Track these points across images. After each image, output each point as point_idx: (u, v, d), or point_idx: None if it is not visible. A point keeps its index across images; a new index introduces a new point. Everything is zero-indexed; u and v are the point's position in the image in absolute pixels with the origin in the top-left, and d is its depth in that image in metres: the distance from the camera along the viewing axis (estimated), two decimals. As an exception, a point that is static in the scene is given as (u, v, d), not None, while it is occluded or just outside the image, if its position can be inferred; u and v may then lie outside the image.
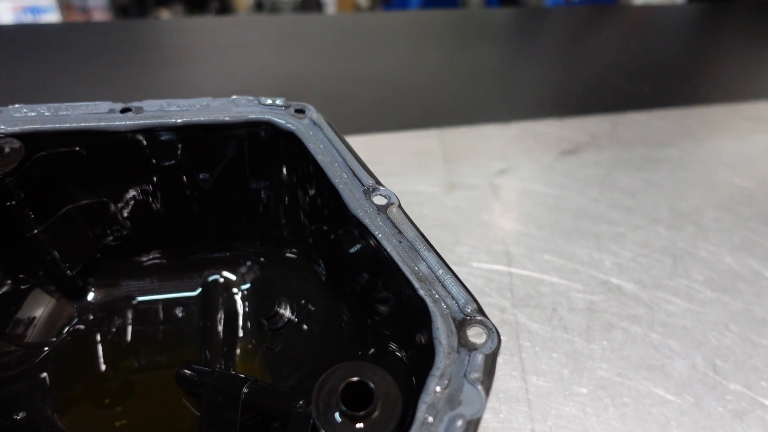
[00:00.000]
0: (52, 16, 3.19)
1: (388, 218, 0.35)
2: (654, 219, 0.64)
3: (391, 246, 0.33)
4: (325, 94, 0.91)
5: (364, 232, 0.35)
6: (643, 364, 0.47)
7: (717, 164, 0.75)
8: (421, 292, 0.31)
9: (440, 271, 0.32)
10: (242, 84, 0.94)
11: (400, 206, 0.36)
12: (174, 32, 1.25)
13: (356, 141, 0.74)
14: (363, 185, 0.37)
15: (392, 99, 0.90)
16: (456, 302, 0.30)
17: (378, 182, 0.38)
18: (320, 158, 0.39)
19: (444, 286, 0.31)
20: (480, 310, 0.30)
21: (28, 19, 3.14)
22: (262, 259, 0.48)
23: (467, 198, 0.64)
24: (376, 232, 0.34)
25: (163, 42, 1.17)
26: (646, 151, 0.76)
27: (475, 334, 0.28)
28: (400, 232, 0.34)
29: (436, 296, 0.30)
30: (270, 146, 0.43)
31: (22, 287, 0.43)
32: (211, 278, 0.49)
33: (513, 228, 0.61)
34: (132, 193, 0.45)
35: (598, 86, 0.98)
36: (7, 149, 0.38)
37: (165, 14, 3.72)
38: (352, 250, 0.39)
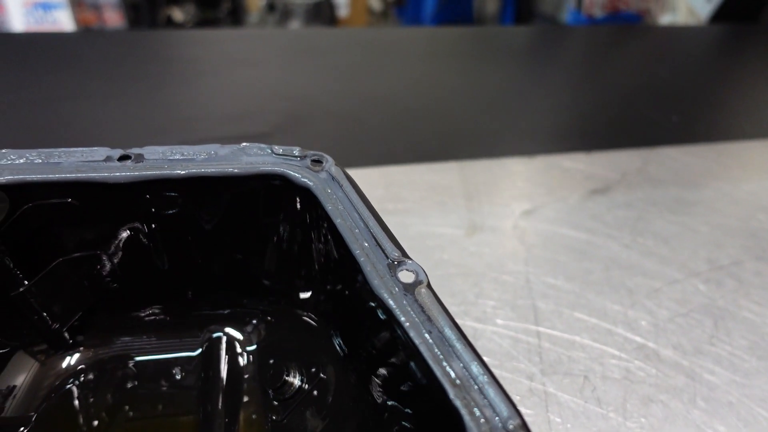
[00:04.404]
0: (63, 13, 3.16)
1: (416, 301, 0.31)
2: (691, 271, 0.59)
3: (420, 338, 0.29)
4: (336, 117, 0.87)
5: (388, 316, 0.31)
6: (686, 449, 0.42)
7: (755, 208, 0.70)
8: (456, 402, 0.26)
9: (478, 374, 0.27)
10: (250, 104, 0.90)
11: (429, 285, 0.32)
12: (185, 45, 1.21)
13: (371, 174, 0.70)
14: (387, 257, 0.33)
15: (407, 125, 0.86)
16: (497, 415, 0.26)
17: (404, 254, 0.34)
18: (339, 222, 0.35)
19: (483, 394, 0.27)
20: (524, 426, 0.26)
21: (39, 14, 3.11)
22: (269, 318, 0.44)
23: (490, 242, 0.60)
24: (403, 319, 0.30)
25: (174, 55, 1.13)
26: (680, 192, 0.71)
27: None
28: (429, 319, 0.30)
29: (474, 406, 0.26)
30: (283, 200, 0.39)
31: (2, 351, 0.38)
32: (213, 336, 0.44)
33: (540, 279, 0.56)
34: (129, 245, 0.41)
35: (626, 115, 0.94)
36: (-12, 203, 0.34)
37: (177, 13, 3.70)
38: (373, 330, 0.35)
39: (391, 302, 0.31)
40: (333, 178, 0.38)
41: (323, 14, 3.82)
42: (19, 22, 3.05)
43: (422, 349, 0.28)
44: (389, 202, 0.63)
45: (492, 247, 0.59)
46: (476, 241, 0.60)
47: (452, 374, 0.27)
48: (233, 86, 0.97)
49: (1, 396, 0.37)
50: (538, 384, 0.46)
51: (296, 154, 0.39)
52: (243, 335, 0.44)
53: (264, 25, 3.71)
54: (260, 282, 0.43)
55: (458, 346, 0.29)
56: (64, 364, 0.41)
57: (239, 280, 0.43)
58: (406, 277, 0.32)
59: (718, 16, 1.64)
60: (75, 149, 0.37)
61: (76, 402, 0.40)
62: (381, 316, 0.33)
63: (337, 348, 0.42)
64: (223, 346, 0.44)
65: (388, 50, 1.26)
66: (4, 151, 0.37)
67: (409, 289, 0.31)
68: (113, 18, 3.38)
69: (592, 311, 0.53)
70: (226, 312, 0.44)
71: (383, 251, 0.33)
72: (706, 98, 1.07)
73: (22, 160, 0.36)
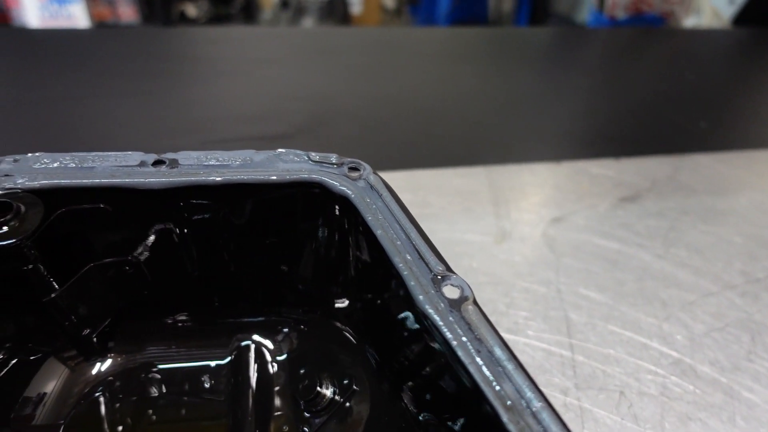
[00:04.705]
0: (78, 7, 3.16)
1: (463, 318, 0.30)
2: (726, 284, 0.58)
3: (469, 358, 0.28)
4: (358, 119, 0.85)
5: (432, 333, 0.30)
6: (728, 471, 0.41)
7: (790, 219, 0.69)
8: (510, 427, 0.25)
9: (532, 398, 0.26)
10: (270, 104, 0.89)
11: (475, 302, 0.31)
12: (203, 43, 1.21)
13: (396, 177, 0.69)
14: (431, 271, 0.32)
15: (431, 127, 0.85)
16: (553, 442, 0.25)
17: (448, 268, 0.32)
18: (380, 233, 0.34)
19: (537, 419, 0.26)
20: (582, 455, 0.24)
21: (54, 9, 3.12)
22: (302, 326, 0.43)
23: (520, 250, 0.59)
24: (450, 337, 0.29)
25: (192, 53, 1.12)
26: (712, 201, 0.70)
27: None
28: (478, 338, 0.29)
29: (528, 433, 0.25)
30: (320, 208, 0.38)
31: (32, 358, 0.38)
32: (242, 344, 0.43)
33: (571, 289, 0.55)
34: (161, 251, 0.40)
35: (653, 121, 0.92)
36: (24, 209, 0.33)
37: (190, 9, 3.70)
38: (411, 343, 0.34)
39: (437, 319, 0.29)
40: (371, 186, 0.37)
41: (336, 12, 3.81)
42: (34, 17, 3.06)
43: (471, 369, 0.27)
44: (416, 207, 0.62)
45: (522, 255, 0.58)
46: (505, 248, 0.59)
47: (504, 397, 0.26)
48: (252, 86, 0.96)
49: (32, 403, 0.36)
50: (573, 399, 0.45)
51: (333, 161, 0.38)
52: (273, 344, 0.43)
53: (277, 21, 3.70)
54: (295, 289, 0.42)
55: (509, 367, 0.27)
56: (94, 371, 0.40)
57: (272, 287, 0.43)
58: (450, 292, 0.31)
59: (741, 18, 1.61)
60: (109, 153, 0.37)
61: (105, 409, 0.39)
62: (419, 327, 0.32)
63: (370, 359, 0.41)
64: (253, 354, 0.43)
65: (406, 50, 1.25)
66: (38, 154, 0.36)
67: (455, 305, 0.30)
68: (127, 13, 3.38)
69: (626, 324, 0.52)
70: (256, 320, 0.43)
71: (426, 265, 0.32)
72: (734, 104, 1.05)
73: (56, 164, 0.36)
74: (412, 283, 0.31)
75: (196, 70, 1.02)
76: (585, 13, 2.89)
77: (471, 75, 1.12)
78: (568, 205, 0.66)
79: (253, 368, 0.43)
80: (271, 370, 0.42)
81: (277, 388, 0.42)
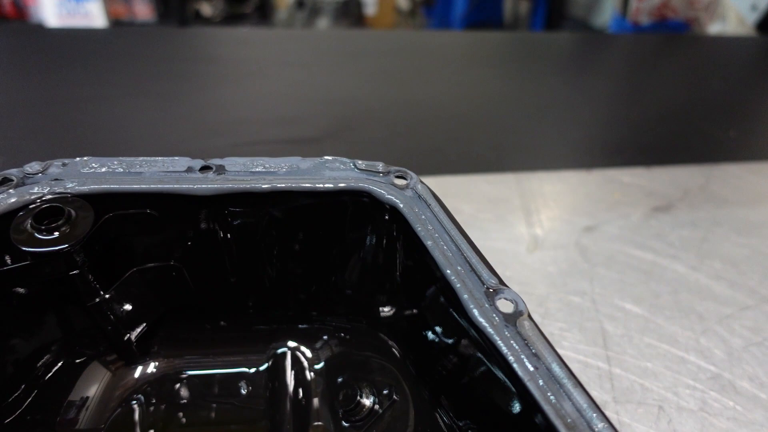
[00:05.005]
0: (95, 5, 3.18)
1: (518, 333, 0.29)
2: (763, 298, 0.57)
3: (528, 375, 0.27)
4: (386, 123, 0.85)
5: (486, 347, 0.30)
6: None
7: (825, 232, 0.67)
8: (574, 448, 0.25)
9: (593, 417, 0.26)
10: (299, 107, 0.89)
11: (530, 317, 0.31)
12: (224, 44, 1.21)
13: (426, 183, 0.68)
14: (484, 284, 0.32)
15: (459, 133, 0.84)
16: (617, 464, 0.24)
17: (501, 281, 0.32)
18: (430, 244, 0.33)
19: (600, 440, 0.25)
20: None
21: (71, 6, 3.13)
22: (342, 334, 0.43)
23: (553, 259, 0.58)
24: (506, 351, 0.28)
25: (219, 54, 1.13)
26: (745, 212, 0.69)
27: None
28: (535, 354, 0.28)
29: (592, 455, 0.25)
30: (366, 217, 0.38)
31: (78, 361, 0.38)
32: (280, 351, 0.43)
33: (606, 300, 0.54)
34: (204, 256, 0.40)
35: (682, 129, 0.91)
36: (74, 214, 0.33)
37: (206, 8, 3.71)
38: (461, 358, 0.33)
39: (493, 333, 0.29)
40: (419, 196, 0.36)
41: (351, 12, 3.81)
42: (51, 14, 3.08)
43: (530, 386, 0.27)
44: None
45: (555, 265, 0.57)
46: (538, 257, 0.58)
47: (565, 416, 0.26)
48: (280, 88, 0.96)
49: (75, 407, 0.36)
50: (611, 413, 0.45)
51: (380, 169, 0.38)
52: (311, 351, 0.43)
53: (292, 22, 3.71)
54: (339, 297, 0.42)
55: (569, 384, 0.27)
56: (134, 376, 0.40)
57: (314, 295, 0.42)
58: (504, 306, 0.31)
59: (764, 24, 1.59)
60: (156, 158, 0.37)
61: (144, 414, 0.39)
62: (473, 344, 0.31)
63: (410, 368, 0.41)
64: (291, 361, 0.43)
65: (428, 54, 1.25)
66: (86, 158, 0.36)
67: (510, 319, 0.30)
68: (143, 11, 3.40)
69: (662, 337, 0.52)
70: (295, 327, 0.43)
71: (479, 277, 0.32)
72: (763, 113, 1.04)
73: (104, 169, 0.36)
74: (465, 296, 0.31)
75: (220, 71, 1.03)
76: (602, 17, 2.87)
77: (495, 79, 1.11)
78: (600, 214, 0.65)
79: (290, 375, 0.42)
80: (308, 378, 0.42)
81: (315, 397, 0.41)
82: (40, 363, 0.36)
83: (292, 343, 0.43)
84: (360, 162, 0.38)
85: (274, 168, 0.37)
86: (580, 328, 0.51)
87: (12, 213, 0.32)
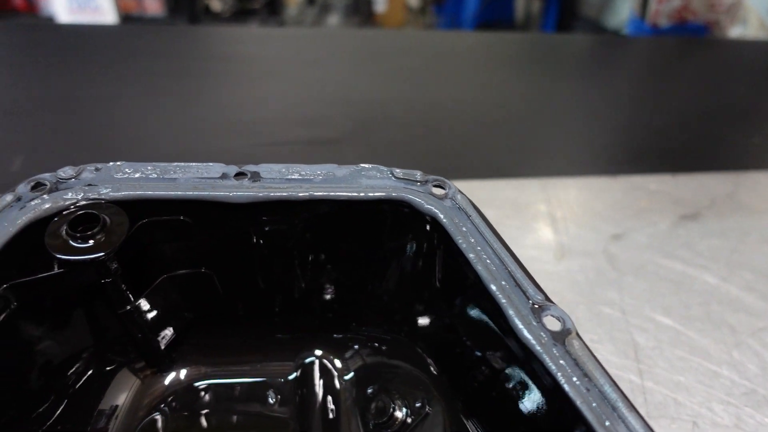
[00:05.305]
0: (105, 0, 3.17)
1: (567, 352, 0.28)
2: (796, 310, 0.56)
3: (580, 397, 0.26)
4: (405, 125, 0.84)
5: (534, 365, 0.29)
6: None
7: None
8: (631, 474, 0.24)
9: (650, 443, 0.25)
10: (317, 107, 0.88)
11: (578, 335, 0.30)
12: (244, 42, 1.20)
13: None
14: (530, 300, 0.31)
15: (479, 135, 0.83)
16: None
17: (547, 297, 0.31)
18: (472, 257, 0.33)
19: (658, 467, 0.24)
20: None
21: (81, 0, 3.13)
22: (374, 344, 0.42)
23: (581, 268, 0.57)
24: (555, 370, 0.27)
25: (234, 53, 1.12)
26: (775, 222, 0.68)
27: None
28: (585, 374, 0.28)
29: (650, 481, 0.24)
30: (406, 227, 0.37)
31: (108, 369, 0.37)
32: (309, 360, 0.42)
33: (636, 311, 0.53)
34: (235, 264, 0.39)
35: (706, 135, 0.90)
36: (109, 221, 0.32)
37: (215, 3, 3.70)
38: (502, 374, 0.33)
39: (541, 352, 0.28)
40: (459, 206, 0.36)
41: (361, 10, 3.79)
42: (62, 8, 3.07)
43: (583, 409, 0.26)
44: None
45: (584, 274, 0.56)
46: (566, 266, 0.57)
47: (621, 441, 0.25)
48: (297, 88, 0.95)
49: (105, 416, 0.36)
50: (645, 428, 0.44)
51: (417, 178, 0.37)
52: (341, 361, 0.42)
53: (302, 18, 3.69)
54: (373, 306, 0.41)
55: (622, 408, 0.26)
56: (162, 383, 0.39)
57: (346, 303, 0.42)
58: (552, 324, 0.30)
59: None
60: (190, 164, 0.36)
61: (172, 423, 0.39)
62: (517, 362, 0.31)
63: (444, 381, 0.40)
64: (320, 371, 0.42)
65: (445, 55, 1.24)
66: (119, 163, 0.35)
67: (558, 338, 0.29)
68: (153, 6, 3.39)
69: (694, 350, 0.51)
70: (325, 336, 0.42)
71: (524, 293, 0.31)
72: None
73: (137, 174, 0.35)
74: (510, 312, 0.30)
75: (235, 70, 1.02)
76: (615, 18, 2.85)
77: (514, 81, 1.10)
78: (627, 221, 0.64)
79: (319, 385, 0.42)
80: (338, 388, 0.41)
81: (345, 408, 0.40)
82: (71, 371, 0.36)
83: (321, 353, 0.42)
84: (397, 170, 0.37)
85: (310, 175, 0.36)
86: (610, 339, 0.50)
87: (46, 219, 0.32)
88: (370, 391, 0.41)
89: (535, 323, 0.29)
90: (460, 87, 1.05)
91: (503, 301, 0.30)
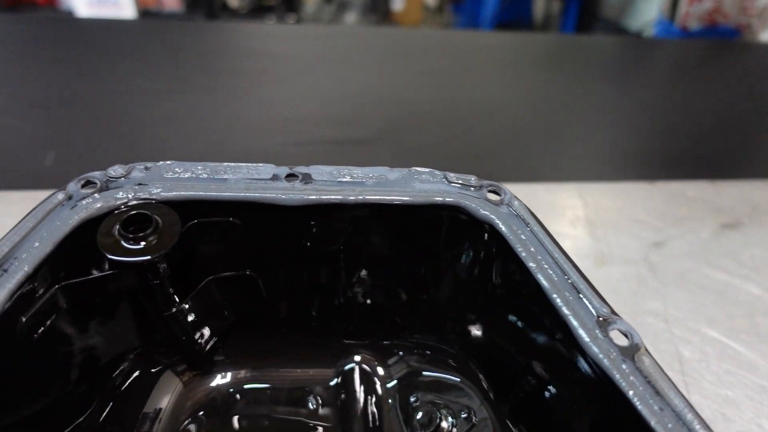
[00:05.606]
0: (125, -9, 3.17)
1: (638, 369, 0.27)
2: None
3: (654, 417, 0.25)
4: (438, 125, 0.83)
5: (602, 382, 0.28)
6: None
7: None
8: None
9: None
10: (348, 106, 0.87)
11: (647, 351, 0.28)
12: (272, 40, 1.19)
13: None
14: (595, 313, 0.30)
15: (512, 138, 0.82)
16: None
17: (613, 311, 0.30)
18: (533, 267, 0.31)
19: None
20: None
21: (101, -9, 3.13)
22: (418, 351, 0.41)
23: (622, 276, 0.56)
24: (629, 391, 0.26)
25: (264, 50, 1.11)
26: (818, 232, 0.66)
27: None
28: (657, 393, 0.26)
29: None
30: (462, 234, 0.36)
31: (153, 371, 0.37)
32: (350, 366, 0.41)
33: (680, 322, 0.52)
34: (281, 266, 0.38)
35: (742, 141, 0.88)
36: (161, 223, 0.31)
37: (233, 0, 3.70)
38: (562, 390, 0.32)
39: (610, 367, 0.27)
40: (516, 213, 0.35)
41: (379, 8, 3.78)
42: (81, 2, 3.08)
43: (658, 429, 0.25)
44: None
45: (625, 282, 0.55)
46: (607, 273, 0.56)
47: (700, 466, 0.24)
48: (324, 86, 0.94)
49: (149, 419, 0.35)
50: (694, 444, 0.42)
51: (472, 183, 0.36)
52: (384, 369, 0.41)
53: (320, 15, 3.69)
54: (423, 313, 0.40)
55: (698, 429, 0.25)
56: (204, 386, 0.39)
57: (395, 310, 0.41)
58: (618, 338, 0.29)
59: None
60: (240, 164, 0.35)
61: (213, 426, 0.38)
62: (580, 376, 0.29)
63: (490, 391, 0.39)
64: (362, 378, 0.41)
65: (470, 54, 1.22)
66: (169, 162, 0.35)
67: (627, 353, 0.28)
68: (171, 1, 3.40)
69: (741, 363, 0.49)
70: (369, 342, 0.42)
71: (589, 305, 0.30)
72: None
73: (188, 174, 0.34)
74: (575, 323, 0.29)
75: (262, 67, 1.01)
76: (636, 20, 2.82)
77: (543, 83, 1.08)
78: (667, 229, 0.62)
79: (360, 392, 0.41)
80: (380, 396, 0.40)
81: (388, 417, 0.40)
82: (116, 373, 0.35)
83: (363, 359, 0.41)
84: (451, 174, 0.36)
85: (361, 178, 0.35)
86: (655, 351, 0.49)
87: (97, 219, 0.31)
88: (413, 399, 0.40)
89: (601, 337, 0.28)
90: (487, 87, 1.04)
91: (567, 313, 0.29)
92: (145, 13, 3.24)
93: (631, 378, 0.27)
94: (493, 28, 3.16)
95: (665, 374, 0.27)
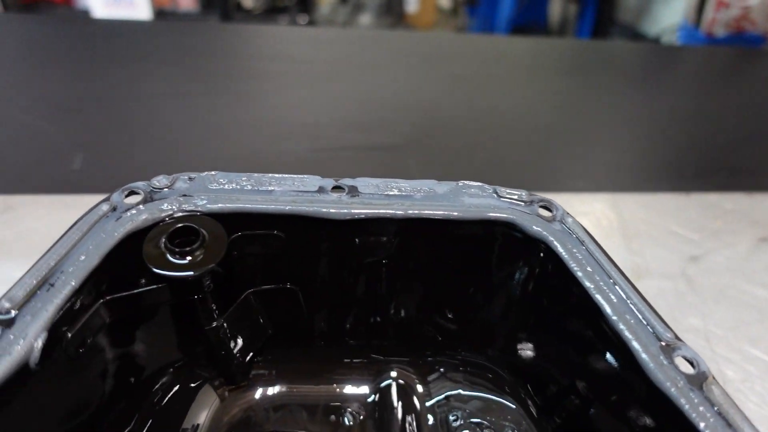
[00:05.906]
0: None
1: (707, 399, 0.26)
2: None
3: (728, 452, 0.24)
4: (466, 132, 0.82)
5: (668, 413, 0.27)
6: None
7: None
8: None
9: None
10: (374, 111, 0.86)
11: (715, 379, 0.27)
12: (295, 43, 1.19)
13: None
14: (659, 339, 0.28)
15: (540, 145, 0.81)
16: None
17: (677, 336, 0.29)
18: (590, 287, 0.30)
19: None
20: None
21: (117, -11, 3.14)
22: (464, 369, 0.40)
23: (660, 291, 0.54)
24: (701, 424, 0.25)
25: (279, 53, 1.10)
26: None
27: None
28: (729, 425, 0.25)
29: None
30: (513, 252, 0.35)
31: (192, 385, 0.36)
32: (387, 383, 0.40)
33: (722, 340, 0.51)
34: (323, 280, 0.37)
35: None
36: (207, 237, 0.31)
37: (247, 1, 3.70)
38: (621, 423, 0.30)
39: (678, 397, 0.26)
40: (570, 231, 0.33)
41: (394, 9, 3.78)
42: (98, 2, 3.09)
43: (733, 465, 0.24)
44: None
45: (663, 298, 0.54)
46: (644, 287, 0.54)
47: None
48: (347, 90, 0.93)
49: (187, 436, 0.34)
50: (742, 469, 0.41)
51: (523, 198, 0.35)
52: (423, 386, 0.40)
53: (335, 17, 3.69)
54: (470, 330, 0.39)
55: (777, 467, 0.24)
56: (241, 401, 0.38)
57: (441, 326, 0.40)
58: (684, 366, 0.28)
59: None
60: (285, 176, 0.34)
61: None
62: (643, 406, 0.28)
63: (532, 409, 0.38)
64: (399, 394, 0.40)
65: (491, 60, 1.21)
66: (213, 173, 0.34)
67: (694, 381, 0.27)
68: (186, 1, 3.41)
69: (787, 384, 0.48)
70: (409, 359, 0.40)
71: (653, 330, 0.29)
72: None
73: (232, 185, 0.33)
74: (637, 347, 0.28)
75: (286, 71, 1.00)
76: (654, 25, 2.78)
77: (568, 90, 1.07)
78: (704, 242, 0.61)
79: (399, 409, 0.40)
80: (419, 414, 0.39)
81: (427, 434, 0.38)
82: (156, 387, 0.34)
83: (402, 375, 0.40)
84: (501, 189, 0.35)
85: (409, 191, 0.34)
86: (697, 370, 0.47)
87: (143, 231, 0.30)
88: (453, 418, 0.39)
89: (667, 364, 0.27)
90: (508, 93, 1.02)
91: (630, 337, 0.28)
92: (160, 13, 3.25)
93: (701, 408, 0.26)
94: (509, 31, 3.14)
95: (736, 405, 0.26)
